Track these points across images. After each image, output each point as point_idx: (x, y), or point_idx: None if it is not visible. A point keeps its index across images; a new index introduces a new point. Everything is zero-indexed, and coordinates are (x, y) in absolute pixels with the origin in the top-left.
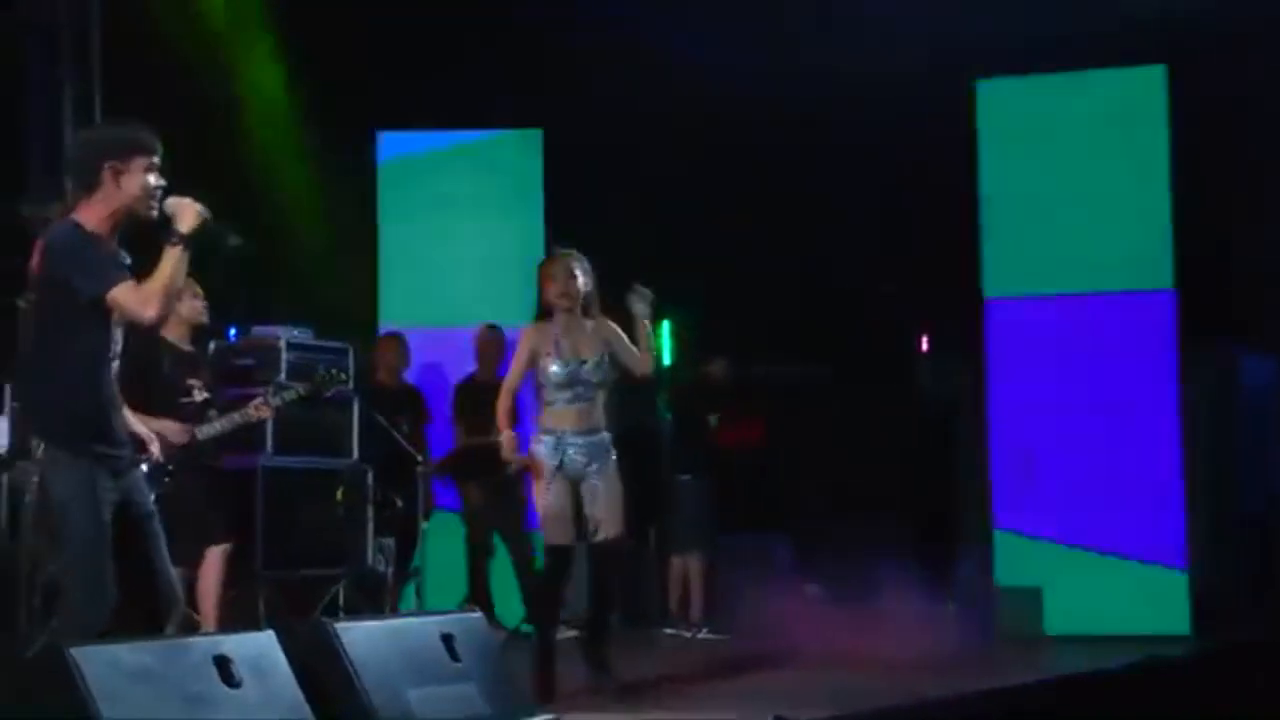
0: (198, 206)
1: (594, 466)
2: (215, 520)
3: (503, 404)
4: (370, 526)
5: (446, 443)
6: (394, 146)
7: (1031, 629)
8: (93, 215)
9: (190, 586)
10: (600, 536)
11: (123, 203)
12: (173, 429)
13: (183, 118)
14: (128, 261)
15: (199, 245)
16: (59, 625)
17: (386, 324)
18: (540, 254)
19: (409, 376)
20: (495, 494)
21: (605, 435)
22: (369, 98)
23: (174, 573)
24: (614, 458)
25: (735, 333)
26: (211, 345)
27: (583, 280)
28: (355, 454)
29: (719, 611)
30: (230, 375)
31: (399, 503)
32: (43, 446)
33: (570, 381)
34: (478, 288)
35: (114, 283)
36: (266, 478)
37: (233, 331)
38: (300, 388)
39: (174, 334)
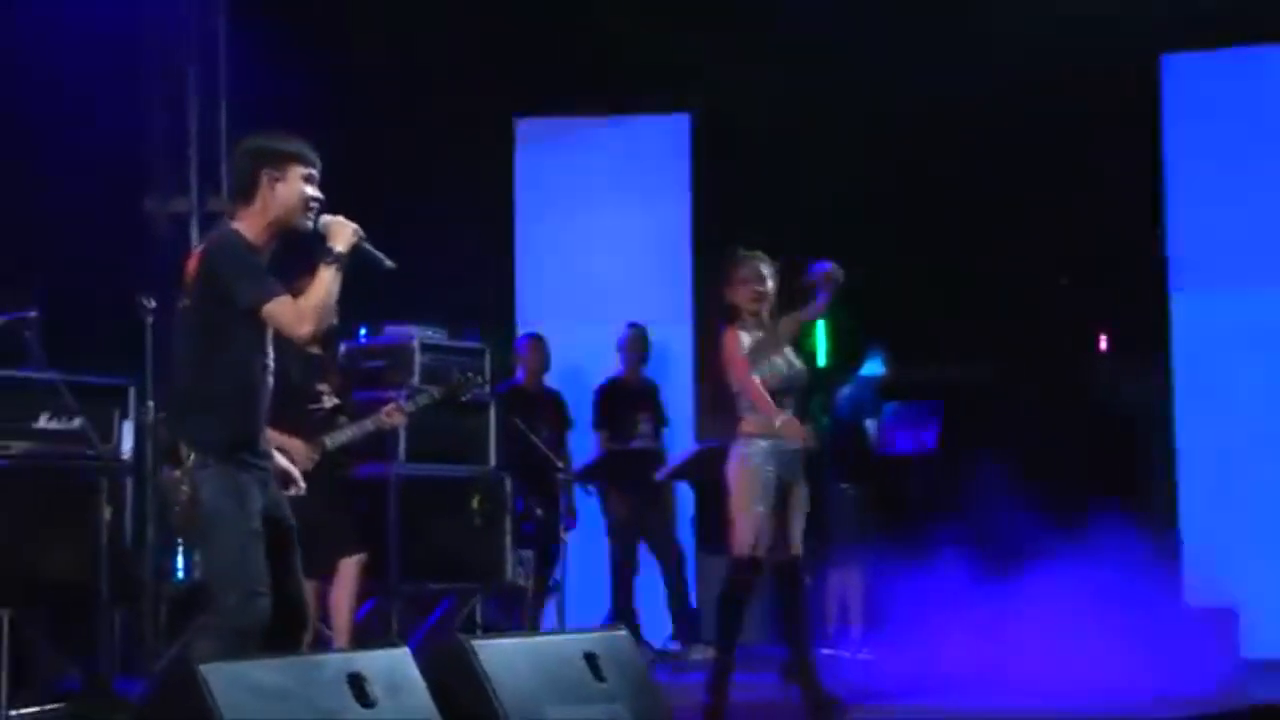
0: (352, 226)
1: (797, 476)
2: (346, 532)
3: (759, 393)
4: (508, 538)
5: (589, 449)
6: (533, 134)
7: (1227, 652)
8: (250, 225)
9: (321, 600)
10: (794, 551)
11: (279, 213)
12: (300, 450)
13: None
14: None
15: (352, 266)
16: (211, 632)
17: (524, 322)
18: (687, 248)
19: (549, 379)
20: (641, 503)
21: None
22: (507, 81)
23: (307, 590)
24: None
25: (896, 331)
26: (342, 347)
27: (772, 284)
28: (492, 461)
29: (881, 630)
30: (361, 379)
31: (539, 513)
32: (193, 454)
33: (788, 387)
34: (621, 284)
35: (273, 294)
36: (399, 487)
37: (363, 332)
38: (434, 392)
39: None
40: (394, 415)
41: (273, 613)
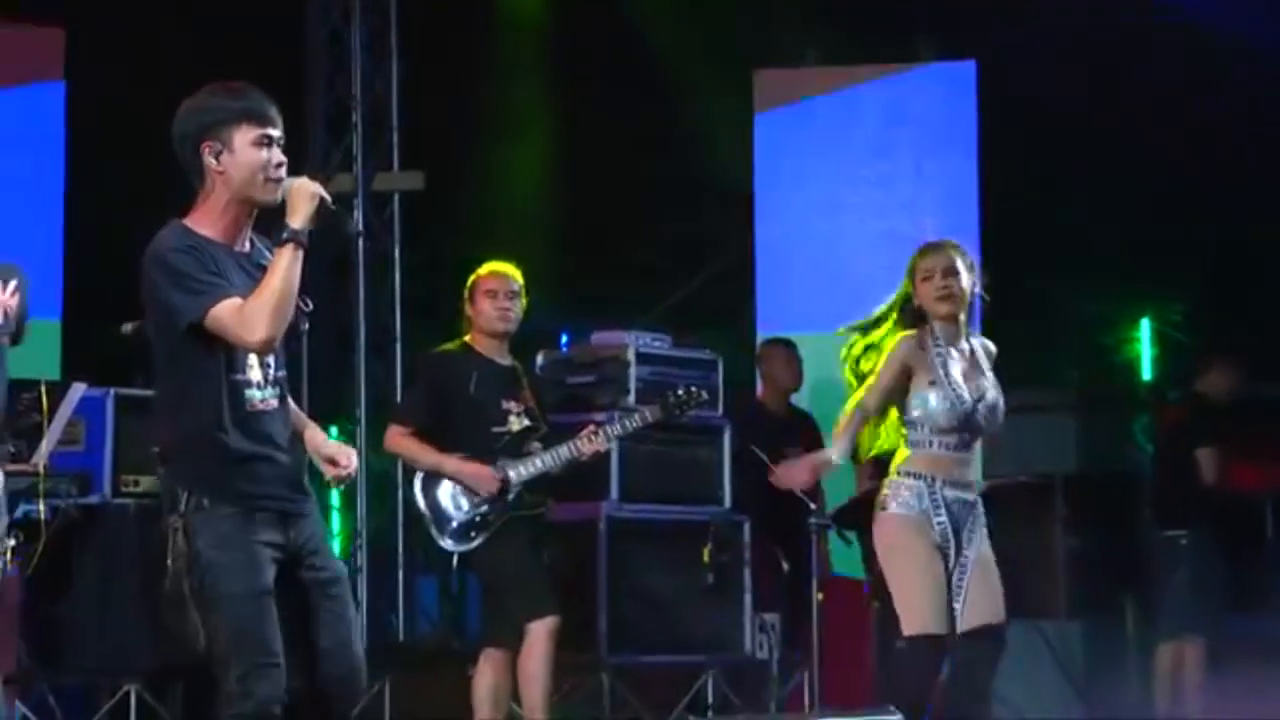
0: (312, 187)
1: (968, 529)
2: (540, 589)
3: (848, 424)
4: (748, 598)
5: (848, 486)
6: (775, 87)
7: None
8: (203, 214)
9: (511, 673)
10: (976, 622)
11: (233, 190)
12: (481, 476)
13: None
14: (266, 261)
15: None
16: (233, 711)
17: (766, 325)
18: (974, 230)
19: (798, 397)
20: None
21: (977, 494)
22: (746, 24)
23: (357, 652)
24: (984, 521)
25: (1244, 336)
26: (539, 357)
27: (966, 279)
28: (727, 501)
29: (1225, 716)
30: (562, 397)
31: (785, 566)
32: (186, 494)
33: (959, 425)
34: (889, 275)
35: (211, 299)
36: (610, 532)
37: (565, 338)
38: (649, 412)
39: (484, 343)
40: (594, 441)
41: (306, 685)
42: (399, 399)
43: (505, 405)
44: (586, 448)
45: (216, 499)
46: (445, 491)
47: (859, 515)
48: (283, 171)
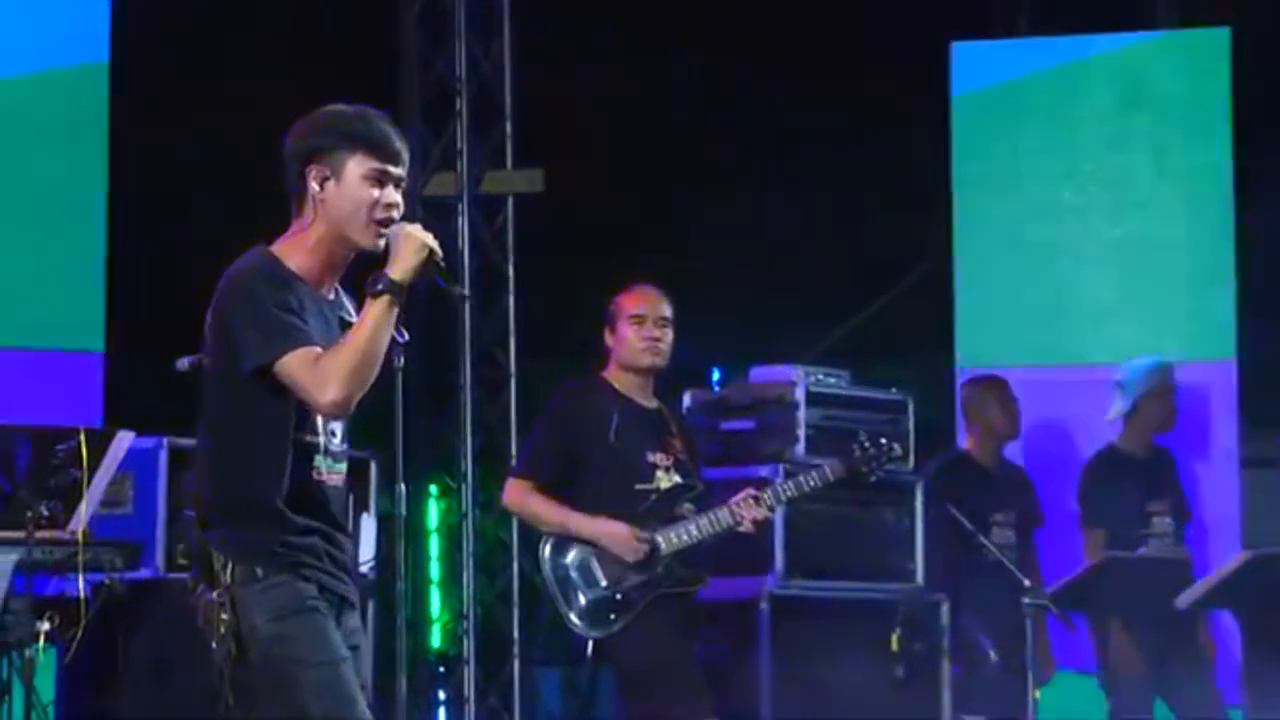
0: (422, 238)
1: None
2: (694, 682)
3: None
4: (947, 695)
5: (1073, 556)
6: (978, 64)
7: None
8: (295, 245)
9: None
10: None
11: (331, 225)
12: (624, 540)
13: None
14: (350, 316)
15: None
16: None
17: (969, 357)
18: (1228, 237)
19: (1011, 449)
20: (1158, 644)
21: None
22: None
23: None
24: None
25: None
26: (686, 398)
27: None
28: (920, 577)
29: None
30: (717, 446)
31: (993, 656)
32: (231, 564)
33: None
34: (1119, 296)
35: (288, 345)
36: (774, 614)
37: (717, 375)
38: (832, 470)
39: (624, 380)
40: (758, 505)
41: None
42: (517, 448)
43: (651, 457)
44: (749, 513)
45: (270, 568)
46: (577, 560)
47: (1088, 593)
48: (394, 215)
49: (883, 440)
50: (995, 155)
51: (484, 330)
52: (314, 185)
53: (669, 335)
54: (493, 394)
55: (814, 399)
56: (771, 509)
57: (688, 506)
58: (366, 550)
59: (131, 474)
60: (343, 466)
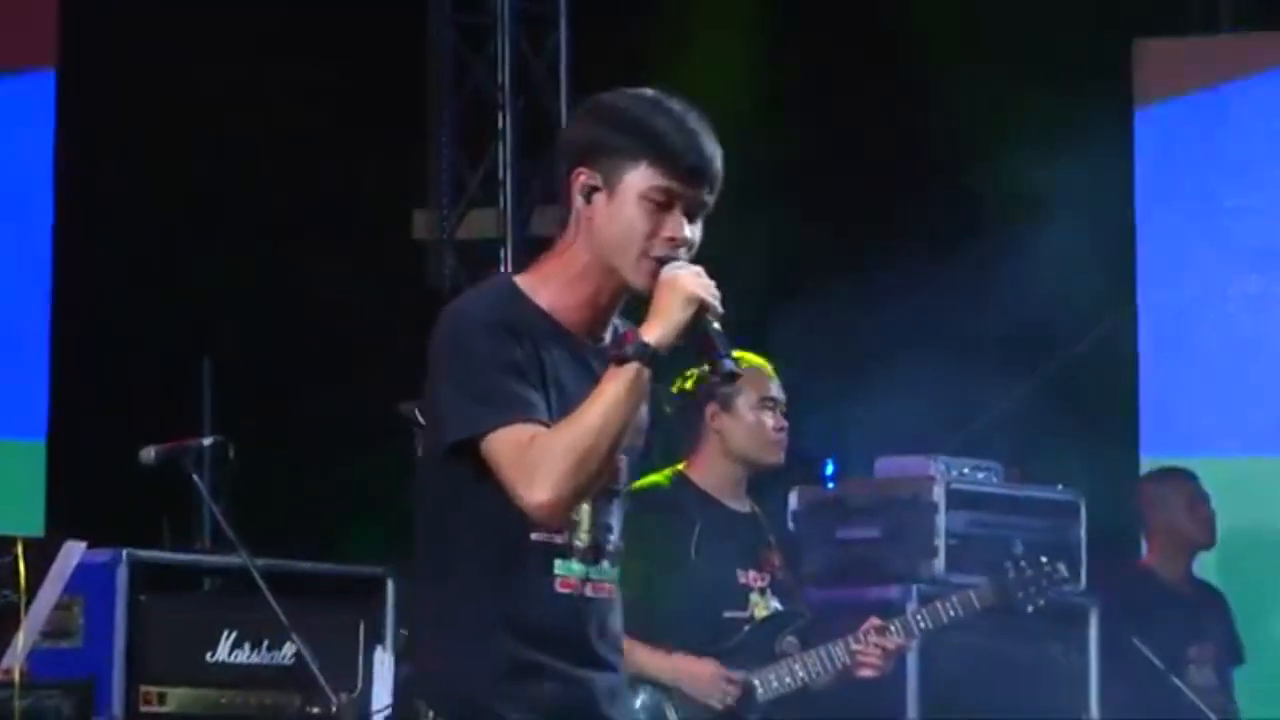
0: (692, 288)
1: None
2: None
3: None
4: None
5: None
6: (1172, 71)
7: None
8: (553, 271)
9: None
10: None
11: (595, 251)
12: (705, 679)
13: None
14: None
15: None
16: None
17: (1156, 445)
18: None
19: (1202, 563)
20: None
21: None
22: None
23: None
24: None
25: None
26: (792, 498)
27: None
28: None
29: None
30: (831, 561)
31: None
32: (431, 714)
33: None
34: None
35: (496, 421)
36: None
37: (831, 468)
38: (980, 597)
39: (714, 476)
40: (883, 639)
41: None
42: None
43: (743, 577)
44: (871, 651)
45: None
46: (650, 704)
47: None
48: (680, 254)
49: (1042, 560)
50: (1188, 183)
51: None
52: (579, 197)
53: (768, 421)
54: None
55: (957, 499)
56: (901, 645)
57: (790, 641)
58: (382, 695)
59: (82, 597)
60: (609, 573)
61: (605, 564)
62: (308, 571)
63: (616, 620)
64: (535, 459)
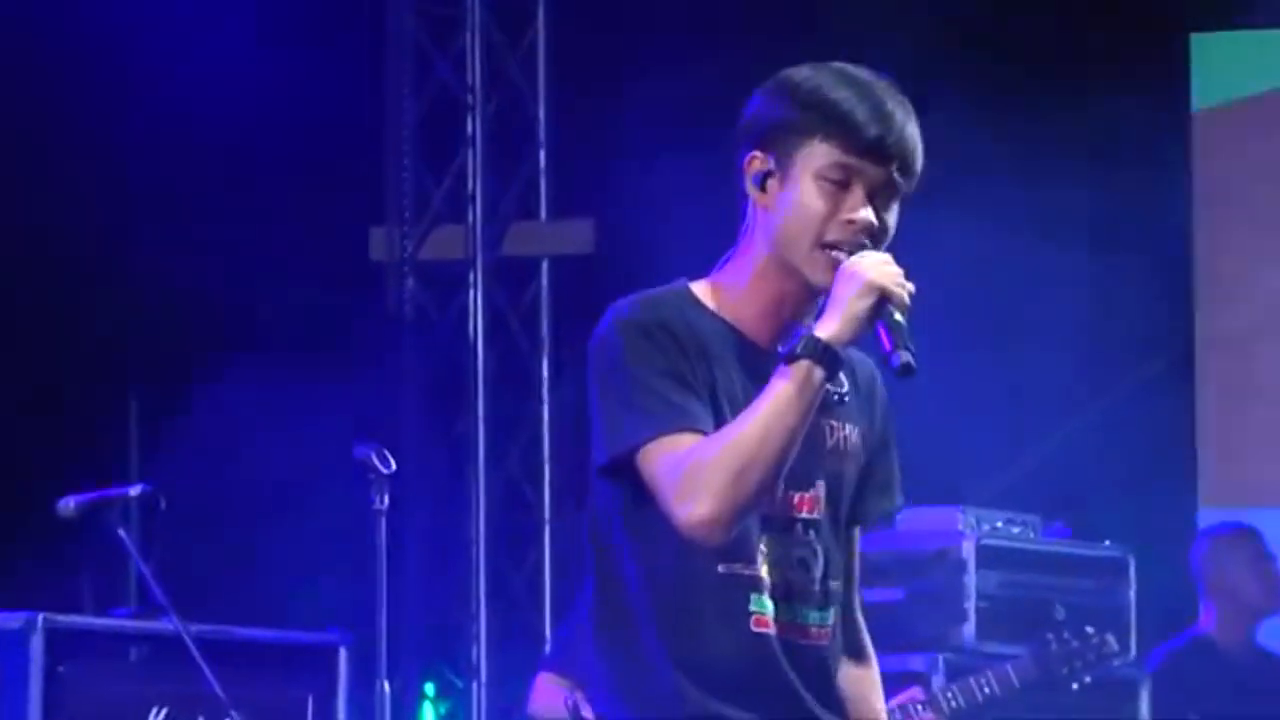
0: (876, 275)
1: None
2: None
3: None
4: None
5: None
6: (1236, 73)
7: None
8: (730, 274)
9: None
10: None
11: (772, 244)
12: None
13: None
14: (841, 386)
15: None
16: None
17: (1217, 498)
18: None
19: (1265, 630)
20: None
21: None
22: None
23: None
24: None
25: None
26: None
27: None
28: None
29: None
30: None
31: None
32: None
33: None
34: None
35: (650, 433)
36: None
37: None
38: (1018, 672)
39: None
40: (912, 718)
41: None
42: (551, 628)
43: None
44: None
45: None
46: None
47: None
48: (861, 239)
49: (1088, 630)
50: (1256, 202)
51: (506, 455)
52: (751, 183)
53: None
54: (516, 550)
55: (990, 557)
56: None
57: None
58: None
59: None
60: (823, 615)
61: (799, 604)
62: (249, 639)
63: (834, 673)
64: (692, 471)
